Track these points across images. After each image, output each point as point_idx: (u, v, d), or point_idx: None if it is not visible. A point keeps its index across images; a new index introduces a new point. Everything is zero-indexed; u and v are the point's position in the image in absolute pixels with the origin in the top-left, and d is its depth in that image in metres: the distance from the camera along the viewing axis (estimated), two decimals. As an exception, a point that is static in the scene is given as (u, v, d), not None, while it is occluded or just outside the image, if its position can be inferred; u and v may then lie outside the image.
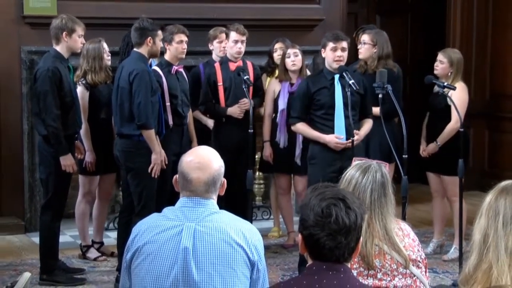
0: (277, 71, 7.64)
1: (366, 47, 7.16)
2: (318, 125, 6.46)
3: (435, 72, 7.13)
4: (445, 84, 6.71)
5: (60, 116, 6.30)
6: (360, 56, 7.22)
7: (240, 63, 7.35)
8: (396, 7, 10.96)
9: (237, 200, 6.79)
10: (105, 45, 6.94)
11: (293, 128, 6.68)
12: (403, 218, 5.51)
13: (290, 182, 7.64)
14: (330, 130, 6.41)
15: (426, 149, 7.18)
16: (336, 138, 6.36)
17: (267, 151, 7.44)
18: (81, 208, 7.13)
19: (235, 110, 7.29)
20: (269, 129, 7.41)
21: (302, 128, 6.56)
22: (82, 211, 7.13)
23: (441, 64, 7.10)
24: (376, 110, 6.61)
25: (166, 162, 6.44)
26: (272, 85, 7.42)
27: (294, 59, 7.24)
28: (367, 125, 6.60)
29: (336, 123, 6.41)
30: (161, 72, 6.84)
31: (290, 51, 7.25)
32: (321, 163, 6.41)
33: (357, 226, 2.80)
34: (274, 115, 7.42)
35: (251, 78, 7.23)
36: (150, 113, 6.24)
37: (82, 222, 7.14)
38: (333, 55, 6.41)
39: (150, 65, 6.81)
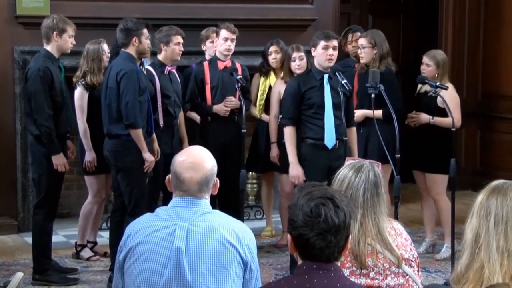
0: (271, 73, 7.64)
1: (366, 50, 7.11)
2: (309, 124, 6.46)
3: (423, 75, 7.13)
4: (438, 84, 6.73)
5: (52, 115, 6.30)
6: (362, 61, 7.15)
7: (229, 62, 7.35)
8: (389, 7, 10.97)
9: (229, 200, 6.80)
10: (105, 47, 6.93)
11: (284, 128, 6.65)
12: (396, 217, 5.53)
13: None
14: (320, 129, 6.43)
15: (418, 116, 7.13)
16: (299, 177, 6.36)
17: (274, 152, 7.45)
18: (88, 208, 7.12)
19: (220, 108, 7.28)
20: (276, 130, 7.40)
21: (288, 135, 6.49)
22: (89, 210, 7.11)
23: (428, 67, 7.11)
24: (377, 112, 6.67)
25: (159, 157, 6.48)
26: (278, 86, 7.40)
27: (299, 63, 7.20)
28: (353, 136, 6.65)
29: (326, 122, 6.42)
30: (154, 72, 6.85)
31: (295, 54, 7.20)
32: (311, 164, 6.43)
33: (346, 225, 2.81)
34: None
35: None
36: (138, 112, 6.25)
37: (85, 221, 7.13)
38: (324, 54, 6.41)
39: (142, 64, 6.81)
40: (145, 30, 6.37)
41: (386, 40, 7.23)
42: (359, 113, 6.97)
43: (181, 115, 7.24)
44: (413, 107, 7.35)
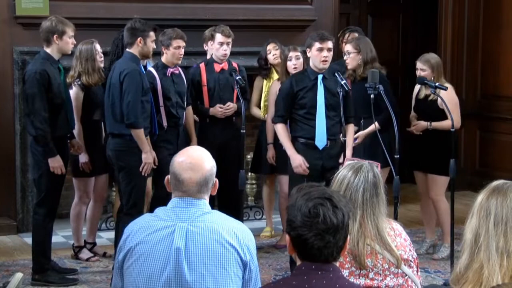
0: (273, 74, 7.64)
1: (351, 56, 7.09)
2: (300, 124, 6.51)
3: None
4: (437, 84, 6.73)
5: (48, 118, 6.28)
6: (349, 67, 7.14)
7: (225, 64, 7.35)
8: (388, 8, 10.98)
9: (228, 200, 6.79)
10: (97, 47, 6.92)
11: (274, 126, 6.72)
12: (395, 218, 5.53)
13: None
14: (311, 129, 6.48)
15: (417, 125, 7.15)
16: (301, 165, 6.39)
17: (270, 152, 7.46)
18: (77, 210, 7.10)
19: (216, 111, 7.29)
20: (273, 131, 7.40)
21: (280, 131, 6.58)
22: (78, 212, 7.11)
23: (423, 72, 7.05)
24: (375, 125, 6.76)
25: (157, 163, 6.45)
26: (274, 87, 7.39)
27: (295, 62, 7.18)
28: (350, 132, 6.65)
29: (318, 123, 6.45)
30: (155, 74, 6.84)
31: (291, 54, 7.20)
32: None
33: (344, 225, 2.80)
34: None
35: None
36: (139, 112, 6.26)
37: (76, 223, 7.12)
38: (319, 55, 6.44)
39: (145, 67, 6.82)
40: (151, 33, 6.39)
41: (372, 46, 7.21)
42: (360, 135, 7.00)
43: (189, 113, 7.23)
44: (413, 111, 7.32)
